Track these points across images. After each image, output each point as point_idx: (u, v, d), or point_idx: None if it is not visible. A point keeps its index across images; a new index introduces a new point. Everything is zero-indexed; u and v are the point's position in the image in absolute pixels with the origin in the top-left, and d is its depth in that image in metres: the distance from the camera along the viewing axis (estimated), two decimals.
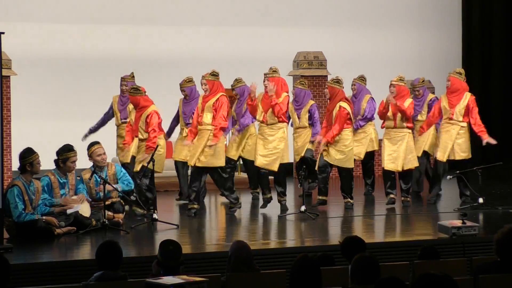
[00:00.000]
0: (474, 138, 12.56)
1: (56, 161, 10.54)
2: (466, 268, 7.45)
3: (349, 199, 12.41)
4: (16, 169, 10.50)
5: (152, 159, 10.99)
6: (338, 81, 12.29)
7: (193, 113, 12.15)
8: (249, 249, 6.88)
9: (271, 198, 12.31)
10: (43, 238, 9.79)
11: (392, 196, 12.58)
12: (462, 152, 12.37)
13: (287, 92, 12.05)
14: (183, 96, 12.88)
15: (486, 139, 12.25)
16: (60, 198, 10.43)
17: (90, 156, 10.95)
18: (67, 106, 16.73)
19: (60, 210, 10.30)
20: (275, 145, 11.90)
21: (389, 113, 12.53)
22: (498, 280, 6.21)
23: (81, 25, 16.84)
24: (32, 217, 9.89)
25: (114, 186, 10.76)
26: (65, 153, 10.51)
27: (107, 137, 14.68)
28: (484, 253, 8.71)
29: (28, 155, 10.00)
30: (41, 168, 10.23)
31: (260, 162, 11.95)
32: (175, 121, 13.34)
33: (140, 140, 11.74)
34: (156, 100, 16.91)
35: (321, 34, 18.02)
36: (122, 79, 13.08)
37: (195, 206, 11.60)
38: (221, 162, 11.65)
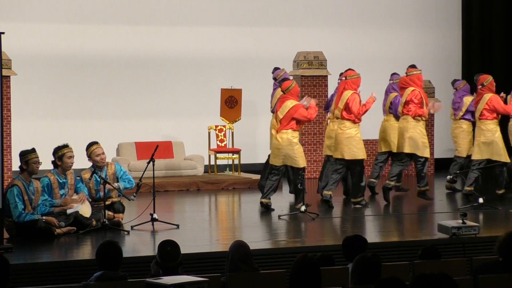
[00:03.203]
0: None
1: (53, 162, 10.53)
2: (466, 268, 7.45)
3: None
4: (17, 169, 10.48)
5: (152, 159, 10.97)
6: None
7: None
8: (247, 248, 6.86)
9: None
10: (43, 238, 9.79)
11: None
12: None
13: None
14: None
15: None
16: (60, 198, 10.42)
17: (89, 156, 10.92)
18: (67, 106, 16.73)
19: (60, 210, 10.29)
20: None
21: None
22: (498, 280, 6.21)
23: (81, 25, 16.83)
24: (32, 217, 9.88)
25: (115, 185, 10.75)
26: (60, 150, 10.49)
27: (108, 136, 14.71)
28: (484, 253, 8.70)
29: (24, 154, 9.98)
30: (42, 168, 10.21)
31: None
32: None
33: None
34: (154, 98, 17.03)
35: (321, 34, 18.02)
36: None
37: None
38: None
